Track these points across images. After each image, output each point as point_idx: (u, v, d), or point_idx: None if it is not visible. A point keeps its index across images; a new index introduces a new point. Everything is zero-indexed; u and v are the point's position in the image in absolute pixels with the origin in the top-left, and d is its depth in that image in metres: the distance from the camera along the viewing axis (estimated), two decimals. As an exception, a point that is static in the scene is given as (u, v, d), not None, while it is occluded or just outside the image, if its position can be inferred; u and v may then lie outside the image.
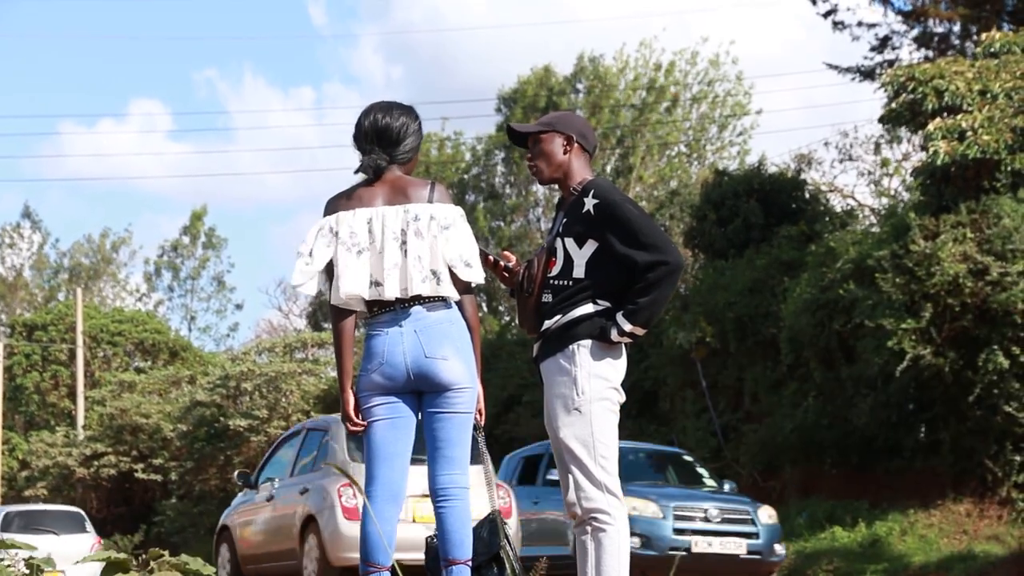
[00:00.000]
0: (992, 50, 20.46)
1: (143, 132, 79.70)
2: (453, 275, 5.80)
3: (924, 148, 20.76)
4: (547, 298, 5.86)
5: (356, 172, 5.95)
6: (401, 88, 75.08)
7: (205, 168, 77.72)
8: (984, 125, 19.19)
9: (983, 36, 21.33)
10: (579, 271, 5.82)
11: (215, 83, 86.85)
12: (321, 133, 78.51)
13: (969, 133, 19.15)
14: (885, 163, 28.91)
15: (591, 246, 5.82)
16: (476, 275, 5.85)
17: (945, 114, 19.72)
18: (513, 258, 6.09)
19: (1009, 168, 19.27)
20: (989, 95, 19.71)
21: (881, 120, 21.56)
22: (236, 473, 16.82)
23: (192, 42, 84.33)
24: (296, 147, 73.85)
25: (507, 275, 6.07)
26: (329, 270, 5.82)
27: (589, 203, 5.83)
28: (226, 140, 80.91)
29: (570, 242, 5.85)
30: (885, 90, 20.74)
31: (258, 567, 15.49)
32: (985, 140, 19.06)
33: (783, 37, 64.98)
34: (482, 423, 6.10)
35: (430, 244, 5.75)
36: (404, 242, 5.75)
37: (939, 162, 19.29)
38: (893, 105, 20.51)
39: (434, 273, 5.75)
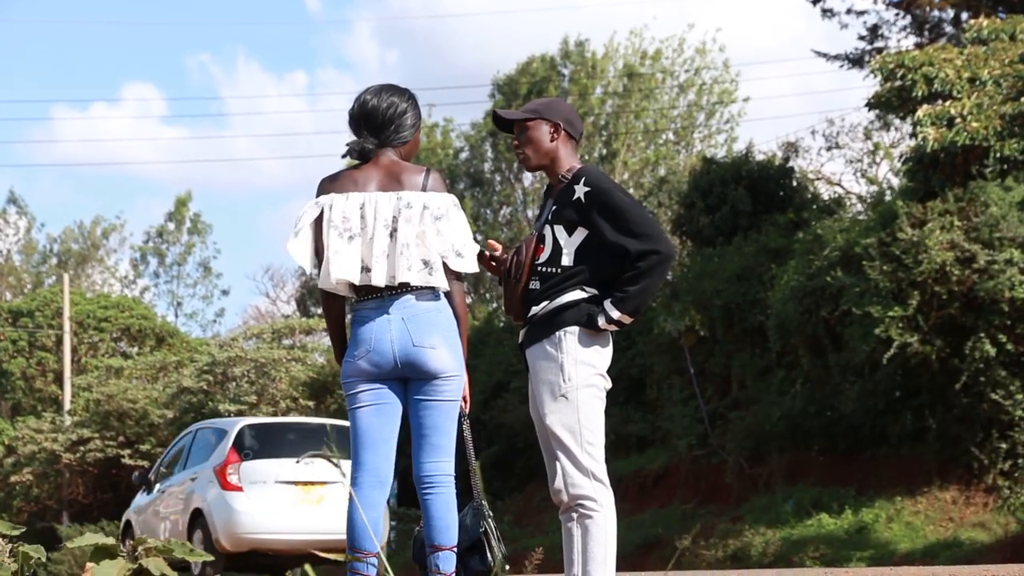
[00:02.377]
0: (980, 37, 20.46)
1: (136, 117, 79.69)
2: (444, 265, 5.78)
3: (913, 135, 20.77)
4: (534, 285, 5.84)
5: (343, 156, 5.92)
6: (396, 74, 75.09)
7: (198, 153, 77.72)
8: (973, 112, 19.20)
9: (971, 23, 21.34)
10: (567, 258, 5.80)
11: (208, 67, 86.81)
12: (316, 119, 78.50)
13: (958, 120, 19.16)
14: (877, 147, 28.92)
15: (581, 233, 5.80)
16: (468, 265, 5.82)
17: (935, 101, 19.73)
18: (499, 247, 6.07)
19: (998, 155, 19.29)
20: (978, 82, 19.72)
21: (868, 105, 21.57)
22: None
23: (185, 26, 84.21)
24: (290, 133, 73.85)
25: (494, 264, 6.05)
26: (318, 254, 5.80)
27: (580, 190, 5.81)
28: (220, 125, 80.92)
29: (559, 229, 5.84)
30: (874, 76, 20.74)
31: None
32: (974, 127, 19.07)
33: (782, 26, 65.14)
34: (467, 411, 6.10)
35: (419, 233, 5.71)
36: (394, 229, 5.72)
37: (928, 149, 19.31)
38: (880, 91, 20.52)
39: (425, 263, 5.72)
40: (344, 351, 5.91)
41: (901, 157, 22.25)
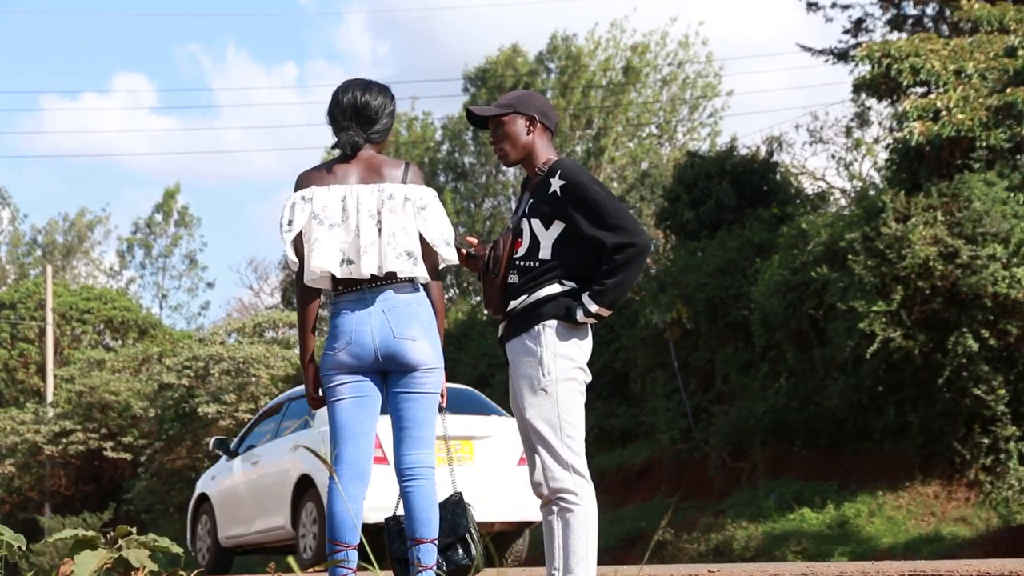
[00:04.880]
0: (969, 19, 20.55)
1: (126, 109, 79.57)
2: (426, 256, 5.80)
3: (896, 128, 20.79)
4: (513, 279, 5.84)
5: (333, 148, 5.94)
6: (388, 66, 74.86)
7: (188, 144, 77.62)
8: (959, 104, 19.25)
9: (962, 2, 21.34)
10: (545, 252, 5.80)
11: (198, 58, 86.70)
12: (307, 110, 78.43)
13: (943, 113, 19.21)
14: (859, 143, 28.94)
15: (557, 227, 5.80)
16: (452, 255, 5.87)
17: (920, 88, 19.81)
18: (475, 241, 6.07)
19: (985, 145, 19.36)
20: (964, 75, 19.78)
21: (854, 89, 21.61)
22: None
23: (175, 17, 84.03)
24: (280, 124, 73.77)
25: (472, 260, 6.05)
26: (300, 245, 5.80)
27: (556, 184, 5.81)
28: (210, 116, 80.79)
29: (536, 223, 5.83)
30: (861, 64, 20.77)
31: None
32: (959, 119, 19.13)
33: (778, 18, 65.23)
34: (444, 404, 6.11)
35: (404, 224, 5.74)
36: (379, 220, 5.73)
37: (914, 142, 19.36)
38: (866, 75, 20.58)
39: (409, 253, 5.74)
40: (310, 351, 5.92)
41: (887, 146, 22.31)
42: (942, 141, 19.29)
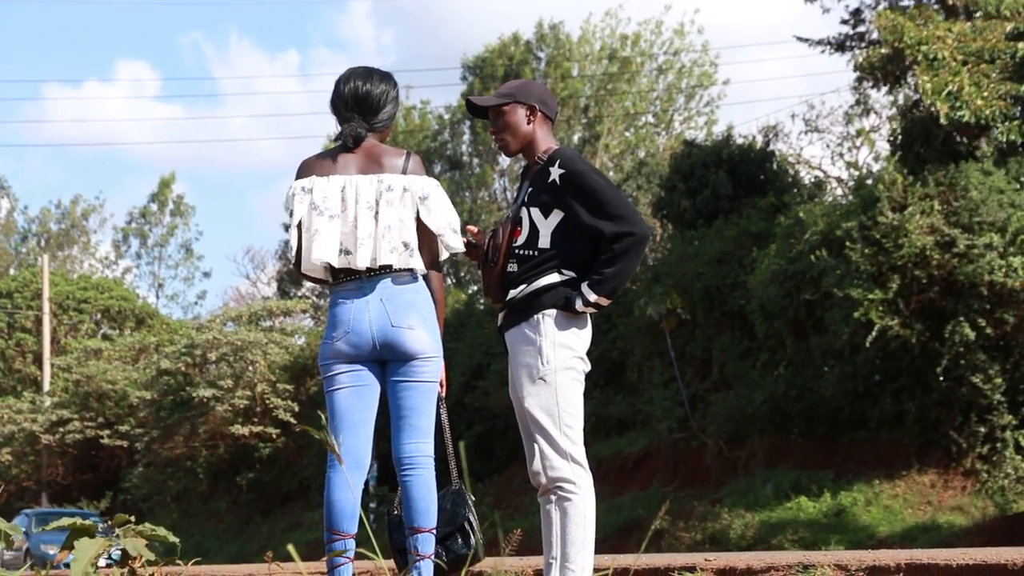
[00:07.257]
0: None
1: (129, 97, 79.45)
2: (426, 247, 5.80)
3: (914, 106, 20.77)
4: (512, 268, 5.83)
5: (335, 140, 5.92)
6: (390, 53, 74.77)
7: (190, 133, 77.51)
8: (974, 89, 19.30)
9: None
10: (544, 241, 5.79)
11: (201, 46, 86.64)
12: (310, 99, 78.36)
13: (962, 94, 19.28)
14: (860, 132, 28.93)
15: (557, 216, 5.79)
16: (460, 242, 5.87)
17: (930, 66, 19.86)
18: (475, 229, 6.07)
19: (1003, 140, 19.44)
20: (972, 59, 19.86)
21: (858, 69, 21.64)
22: None
23: (178, 5, 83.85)
24: (283, 113, 73.74)
25: (471, 249, 6.05)
26: (299, 234, 5.80)
27: (555, 173, 5.79)
28: (213, 105, 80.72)
29: (535, 211, 5.82)
30: (880, 33, 20.85)
31: None
32: (978, 105, 19.18)
33: (784, 5, 65.07)
34: (443, 395, 6.10)
35: (401, 216, 5.73)
36: (376, 212, 5.73)
37: (942, 120, 19.42)
38: (870, 54, 20.61)
39: (406, 245, 5.74)
40: None
41: (896, 112, 22.32)
42: (961, 125, 19.40)
